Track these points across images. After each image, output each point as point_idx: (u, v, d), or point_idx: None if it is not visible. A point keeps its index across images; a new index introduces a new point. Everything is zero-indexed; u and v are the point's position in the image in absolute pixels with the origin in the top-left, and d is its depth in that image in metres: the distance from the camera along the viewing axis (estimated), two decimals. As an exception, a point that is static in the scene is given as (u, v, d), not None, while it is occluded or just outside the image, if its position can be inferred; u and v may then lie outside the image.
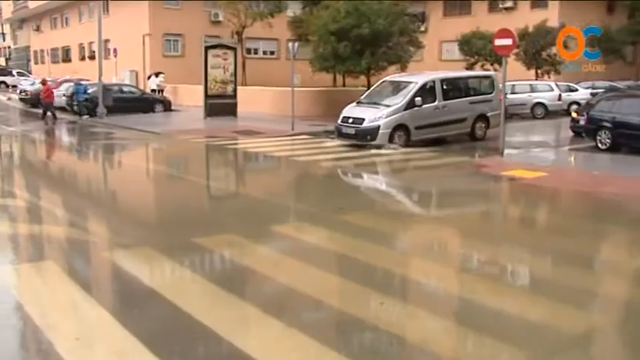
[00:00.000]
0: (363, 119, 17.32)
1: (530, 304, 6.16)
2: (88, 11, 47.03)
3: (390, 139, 17.15)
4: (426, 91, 17.89)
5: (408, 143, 17.31)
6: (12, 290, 6.35)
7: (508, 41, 16.28)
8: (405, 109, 17.37)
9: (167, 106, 31.14)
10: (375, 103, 17.99)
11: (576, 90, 28.87)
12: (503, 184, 13.39)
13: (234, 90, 27.55)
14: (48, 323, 5.39)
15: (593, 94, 26.74)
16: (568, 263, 7.58)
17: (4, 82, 51.38)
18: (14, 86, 44.82)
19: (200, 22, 39.25)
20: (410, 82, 18.16)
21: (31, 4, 56.26)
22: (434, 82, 18.31)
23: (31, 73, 56.27)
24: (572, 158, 16.86)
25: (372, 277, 6.84)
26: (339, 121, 18.09)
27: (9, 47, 76.13)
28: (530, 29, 30.59)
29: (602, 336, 5.57)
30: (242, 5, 34.87)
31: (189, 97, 33.09)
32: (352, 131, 17.49)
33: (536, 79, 30.29)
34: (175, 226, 9.48)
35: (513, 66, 26.30)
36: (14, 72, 54.45)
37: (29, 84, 38.80)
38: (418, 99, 17.41)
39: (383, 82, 19.82)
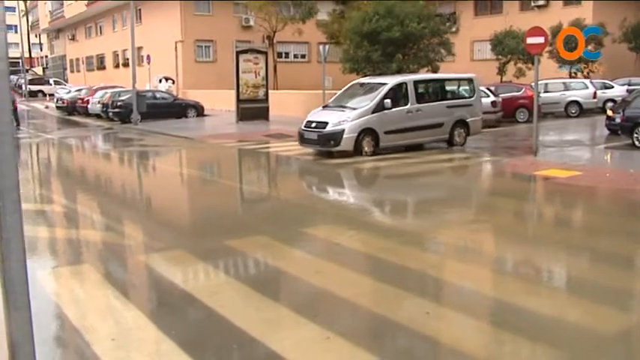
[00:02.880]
0: (326, 123, 16.16)
1: (568, 305, 6.10)
2: (122, 19, 47.86)
3: (357, 145, 16.05)
4: (398, 94, 16.79)
5: (375, 150, 16.32)
6: (50, 293, 6.51)
7: (540, 39, 16.09)
8: (373, 112, 16.19)
9: (200, 111, 31.51)
10: (341, 107, 16.87)
11: (612, 87, 28.41)
12: (537, 183, 13.24)
13: (266, 94, 27.80)
14: (85, 325, 5.52)
15: (629, 91, 26.28)
16: (605, 263, 7.47)
17: (41, 91, 52.66)
18: (51, 95, 45.84)
19: (231, 27, 39.64)
20: (380, 84, 17.06)
21: (67, 14, 57.43)
22: (406, 83, 17.11)
23: (67, 82, 57.44)
24: (608, 157, 16.58)
25: (407, 279, 6.83)
26: (302, 126, 17.04)
27: (46, 56, 77.85)
28: (564, 26, 30.18)
29: None
30: (273, 9, 35.09)
31: (221, 102, 33.40)
32: (314, 136, 16.41)
33: (570, 77, 29.88)
34: (209, 229, 9.60)
35: (546, 64, 26.02)
36: (51, 81, 55.68)
37: (65, 92, 39.70)
38: (387, 101, 16.28)
39: (353, 84, 18.81)
